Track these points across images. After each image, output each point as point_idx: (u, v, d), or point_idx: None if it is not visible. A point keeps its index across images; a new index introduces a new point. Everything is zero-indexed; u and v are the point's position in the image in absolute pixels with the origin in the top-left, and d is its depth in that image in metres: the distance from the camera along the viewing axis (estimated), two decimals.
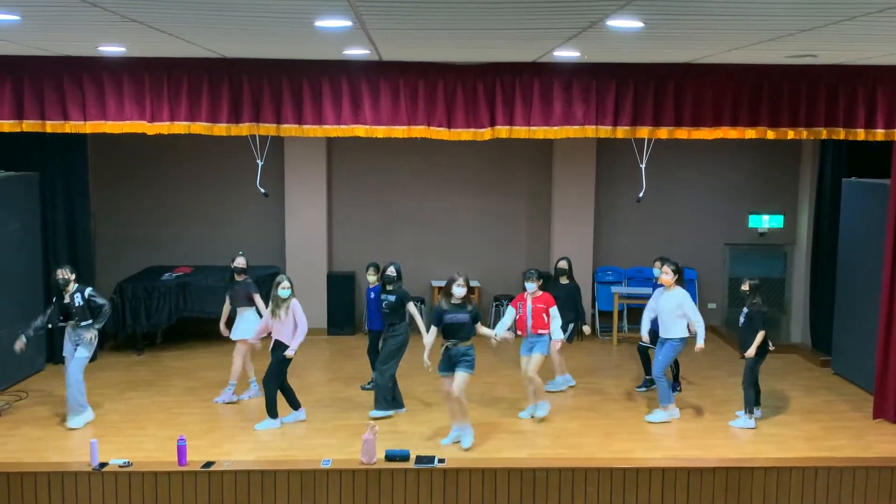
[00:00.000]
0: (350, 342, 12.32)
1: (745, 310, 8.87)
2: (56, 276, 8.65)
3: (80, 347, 8.60)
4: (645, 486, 7.66)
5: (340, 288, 12.63)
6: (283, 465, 7.72)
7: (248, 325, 9.45)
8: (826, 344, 11.23)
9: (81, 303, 8.58)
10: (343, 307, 12.63)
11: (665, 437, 8.63)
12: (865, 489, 7.74)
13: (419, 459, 7.70)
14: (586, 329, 10.53)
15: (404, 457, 7.71)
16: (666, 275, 8.96)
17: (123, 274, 12.07)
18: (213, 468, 7.56)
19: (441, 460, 7.71)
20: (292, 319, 8.65)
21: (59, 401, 9.23)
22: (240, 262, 9.56)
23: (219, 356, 11.41)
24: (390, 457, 7.71)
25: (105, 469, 7.50)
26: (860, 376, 10.12)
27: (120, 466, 7.53)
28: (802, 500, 7.71)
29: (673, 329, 8.91)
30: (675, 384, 9.91)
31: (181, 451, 7.59)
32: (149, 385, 10.20)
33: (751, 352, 8.69)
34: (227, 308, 9.69)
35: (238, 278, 9.55)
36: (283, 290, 8.64)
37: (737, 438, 8.59)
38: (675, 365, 9.83)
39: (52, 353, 10.85)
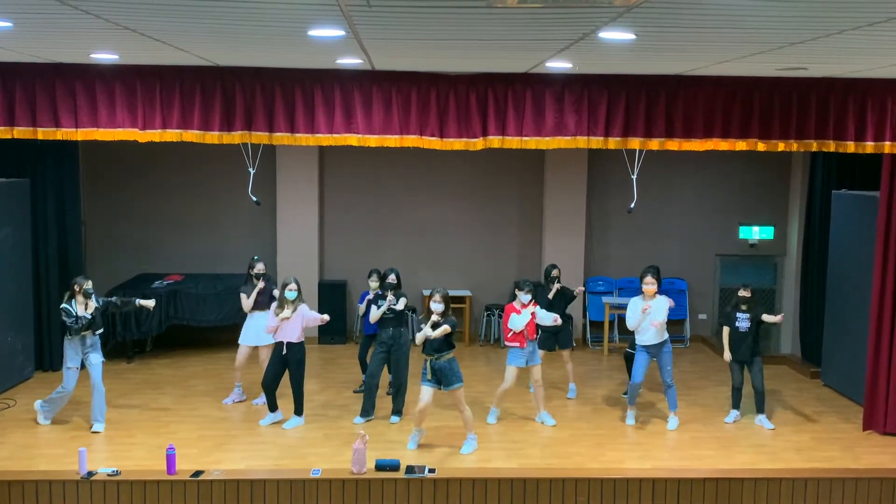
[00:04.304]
0: (341, 351, 12.30)
1: (749, 315, 9.03)
2: (86, 286, 8.62)
3: (94, 354, 8.69)
4: (635, 496, 7.65)
5: (332, 296, 12.61)
6: (273, 474, 7.70)
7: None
8: (816, 355, 11.25)
9: (96, 311, 8.68)
10: (335, 316, 12.56)
11: (655, 448, 8.63)
12: (855, 500, 7.76)
13: (409, 469, 7.68)
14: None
15: (394, 466, 7.70)
16: (650, 284, 9.00)
17: (114, 281, 12.02)
18: (202, 477, 7.53)
19: (431, 470, 7.69)
20: (298, 319, 8.73)
21: None
22: (260, 266, 9.62)
23: (209, 364, 11.40)
24: (380, 466, 7.69)
25: (93, 478, 7.46)
26: (850, 388, 10.15)
27: (108, 475, 7.50)
28: None
29: (664, 333, 9.05)
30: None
31: (170, 459, 7.56)
32: (138, 393, 10.15)
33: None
34: (249, 303, 9.60)
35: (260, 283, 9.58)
36: (289, 292, 8.73)
37: (727, 449, 8.60)
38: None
39: (40, 361, 10.80)
